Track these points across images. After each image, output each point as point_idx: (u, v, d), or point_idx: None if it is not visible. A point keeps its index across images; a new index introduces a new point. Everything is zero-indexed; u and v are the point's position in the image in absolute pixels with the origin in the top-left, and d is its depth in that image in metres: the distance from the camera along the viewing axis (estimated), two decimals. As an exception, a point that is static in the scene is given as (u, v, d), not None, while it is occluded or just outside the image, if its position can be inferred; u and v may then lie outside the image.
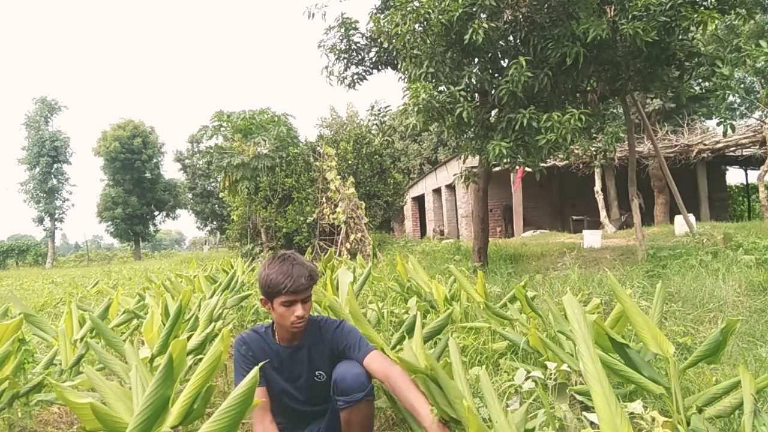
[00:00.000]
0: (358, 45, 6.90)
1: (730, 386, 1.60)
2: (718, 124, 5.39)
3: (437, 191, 19.68)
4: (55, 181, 33.30)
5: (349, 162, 14.13)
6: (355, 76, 7.09)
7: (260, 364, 1.59)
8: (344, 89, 7.41)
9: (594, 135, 6.54)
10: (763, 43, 5.03)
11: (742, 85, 16.27)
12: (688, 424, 1.54)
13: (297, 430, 2.03)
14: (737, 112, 16.95)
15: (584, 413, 1.70)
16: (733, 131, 5.82)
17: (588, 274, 5.00)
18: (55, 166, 33.22)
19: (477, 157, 6.71)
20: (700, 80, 5.84)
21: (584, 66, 5.35)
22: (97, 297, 6.78)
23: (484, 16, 5.32)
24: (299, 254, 1.97)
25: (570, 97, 6.06)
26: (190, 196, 27.97)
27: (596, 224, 13.42)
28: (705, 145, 13.18)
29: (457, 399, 1.58)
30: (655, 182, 14.01)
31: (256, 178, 14.26)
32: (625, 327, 2.27)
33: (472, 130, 6.19)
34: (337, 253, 9.43)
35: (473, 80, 5.64)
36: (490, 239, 7.96)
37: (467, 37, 5.08)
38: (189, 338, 2.67)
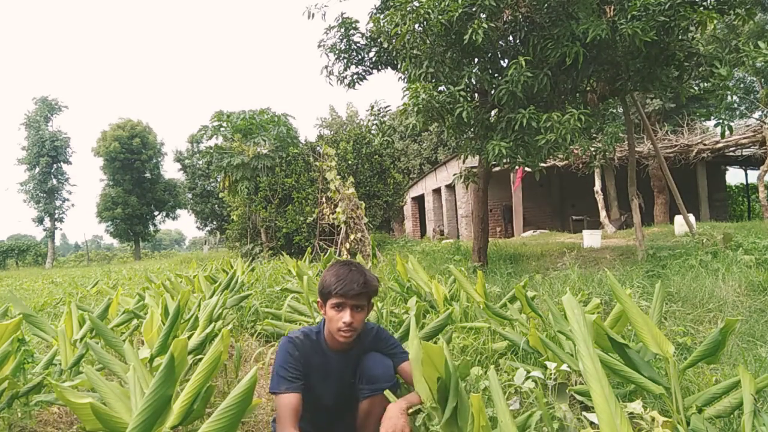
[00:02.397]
0: (358, 45, 6.90)
1: (730, 386, 1.60)
2: (715, 125, 5.41)
3: (437, 191, 19.68)
4: (55, 181, 33.32)
5: (349, 162, 14.13)
6: (355, 76, 7.09)
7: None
8: (344, 89, 7.42)
9: (594, 135, 6.54)
10: (761, 44, 5.03)
11: (741, 85, 16.28)
12: (688, 424, 1.54)
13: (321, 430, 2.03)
14: (737, 112, 16.95)
15: (584, 413, 1.70)
16: (731, 132, 5.82)
17: (588, 274, 5.00)
18: (55, 166, 33.23)
19: (477, 157, 6.71)
20: (699, 81, 5.84)
21: (584, 66, 5.35)
22: (96, 297, 6.78)
23: (484, 16, 5.32)
24: (363, 265, 1.98)
25: (570, 97, 6.06)
26: (189, 196, 27.96)
27: (596, 224, 13.43)
28: (705, 145, 13.18)
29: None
30: (654, 182, 14.01)
31: (256, 178, 14.27)
32: (624, 327, 2.27)
33: (471, 130, 6.19)
34: (337, 253, 9.42)
35: (473, 80, 5.64)
36: (490, 239, 7.96)
37: (467, 37, 5.08)
38: (189, 338, 2.67)
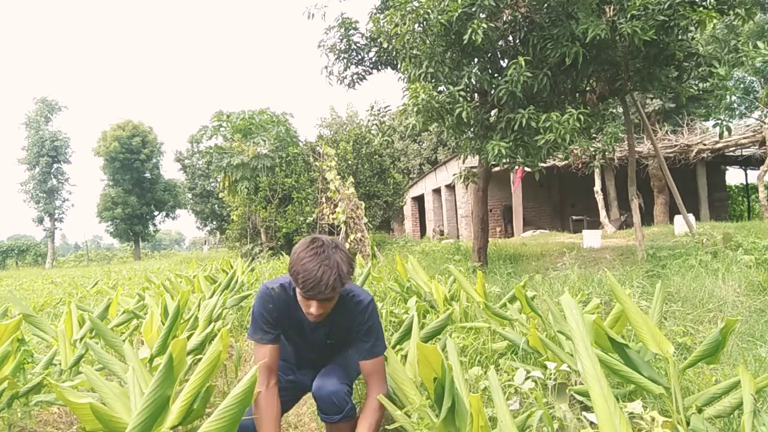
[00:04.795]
0: (357, 45, 6.91)
1: (730, 386, 1.60)
2: (714, 125, 5.42)
3: (437, 191, 19.68)
4: (54, 181, 33.31)
5: (349, 162, 14.13)
6: (355, 76, 7.10)
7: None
8: (344, 89, 7.44)
9: (593, 135, 6.54)
10: (761, 44, 5.03)
11: (741, 85, 16.28)
12: (688, 424, 1.54)
13: (303, 369, 2.06)
14: (736, 112, 16.96)
15: (584, 413, 1.70)
16: (730, 133, 5.81)
17: (588, 274, 5.00)
18: (55, 166, 33.23)
19: (476, 157, 6.71)
20: (699, 81, 5.84)
21: (583, 66, 5.35)
22: (96, 297, 6.78)
23: (484, 16, 5.32)
24: (340, 244, 1.73)
25: (569, 97, 6.06)
26: (189, 196, 27.96)
27: (596, 224, 13.44)
28: (704, 145, 13.18)
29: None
30: (654, 182, 14.01)
31: (256, 178, 14.27)
32: (624, 327, 2.27)
33: (471, 130, 6.19)
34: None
35: (473, 80, 5.64)
36: (489, 239, 7.96)
37: (466, 37, 5.08)
38: (189, 338, 2.67)
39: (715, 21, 4.96)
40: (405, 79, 6.23)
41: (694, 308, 3.60)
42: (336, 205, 10.25)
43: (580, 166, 12.94)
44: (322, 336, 1.94)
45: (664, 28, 5.10)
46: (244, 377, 1.40)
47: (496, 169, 9.55)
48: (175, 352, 1.56)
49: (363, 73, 7.12)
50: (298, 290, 1.72)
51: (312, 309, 1.70)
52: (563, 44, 5.10)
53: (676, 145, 13.37)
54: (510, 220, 15.90)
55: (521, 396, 2.04)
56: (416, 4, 5.54)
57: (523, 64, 5.03)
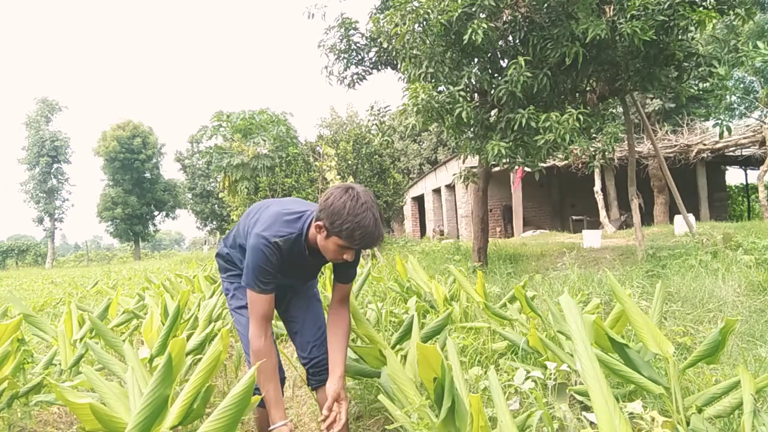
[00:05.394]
0: (357, 45, 6.91)
1: (730, 386, 1.60)
2: (714, 125, 5.42)
3: (437, 191, 19.68)
4: (54, 181, 33.33)
5: (349, 162, 14.13)
6: (355, 76, 7.10)
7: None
8: (344, 89, 7.43)
9: (593, 135, 6.54)
10: (760, 44, 5.03)
11: (741, 85, 16.28)
12: (688, 424, 1.54)
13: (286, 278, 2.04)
14: (736, 112, 16.96)
15: (584, 413, 1.70)
16: (730, 133, 5.82)
17: (588, 274, 5.00)
18: (55, 166, 33.25)
19: (476, 157, 6.71)
20: (699, 80, 5.84)
21: (583, 66, 5.35)
22: (96, 297, 6.78)
23: (484, 16, 5.32)
24: (367, 190, 1.75)
25: (569, 97, 6.06)
26: (189, 196, 27.97)
27: (596, 224, 13.44)
28: (704, 145, 13.18)
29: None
30: (654, 182, 14.02)
31: (256, 178, 14.27)
32: (624, 327, 2.27)
33: (471, 130, 6.19)
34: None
35: (472, 80, 5.64)
36: (489, 239, 7.96)
37: (466, 37, 5.08)
38: (188, 338, 2.67)
39: (715, 21, 4.96)
40: (405, 79, 6.23)
41: (694, 308, 3.60)
42: (336, 205, 10.23)
43: (580, 166, 12.94)
44: (316, 263, 1.97)
45: (664, 28, 5.10)
46: (244, 377, 1.40)
47: (496, 169, 9.55)
48: (174, 351, 1.56)
49: (363, 73, 7.12)
50: (334, 241, 1.70)
51: (347, 256, 1.75)
52: (563, 44, 5.10)
53: (676, 145, 13.37)
54: (510, 220, 15.91)
55: (521, 396, 2.04)
56: (416, 4, 5.53)
57: (523, 64, 5.03)
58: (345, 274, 1.98)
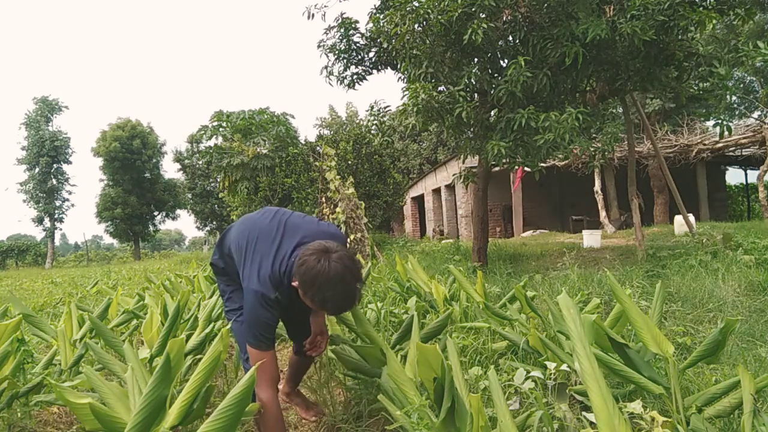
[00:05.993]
0: (357, 45, 6.90)
1: (730, 386, 1.60)
2: (714, 125, 5.41)
3: (437, 191, 19.67)
4: (54, 181, 33.29)
5: (349, 162, 14.12)
6: (355, 76, 7.09)
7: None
8: (344, 89, 7.41)
9: (593, 135, 6.54)
10: (761, 44, 5.03)
11: (741, 85, 16.28)
12: (688, 423, 1.54)
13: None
14: (736, 112, 16.96)
15: (584, 413, 1.70)
16: (730, 133, 5.81)
17: (588, 274, 4.99)
18: (54, 166, 33.20)
19: (476, 157, 6.70)
20: (699, 80, 5.84)
21: (583, 66, 5.35)
22: (96, 297, 6.78)
23: (484, 16, 5.32)
24: (355, 264, 1.72)
25: (569, 97, 6.05)
26: (189, 196, 27.96)
27: (596, 224, 13.43)
28: (704, 145, 13.18)
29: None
30: (654, 182, 14.02)
31: (256, 178, 14.28)
32: (624, 327, 2.27)
33: (471, 130, 6.19)
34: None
35: (472, 80, 5.63)
36: (489, 239, 7.96)
37: (466, 37, 5.08)
38: (188, 338, 2.67)
39: (714, 21, 4.96)
40: (405, 79, 6.23)
41: (694, 308, 3.60)
42: (336, 205, 10.25)
43: (580, 166, 12.94)
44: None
45: (664, 28, 5.10)
46: (244, 377, 1.40)
47: (496, 169, 9.54)
48: (173, 351, 1.56)
49: (363, 73, 7.12)
50: (309, 301, 1.72)
51: (320, 319, 2.06)
52: (563, 44, 5.09)
53: (676, 145, 13.37)
54: (510, 220, 15.90)
55: (521, 396, 2.04)
56: (416, 4, 5.53)
57: (523, 64, 5.03)
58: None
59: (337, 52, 6.86)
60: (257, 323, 1.79)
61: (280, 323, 2.23)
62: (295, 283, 1.74)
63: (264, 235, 1.92)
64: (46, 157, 32.35)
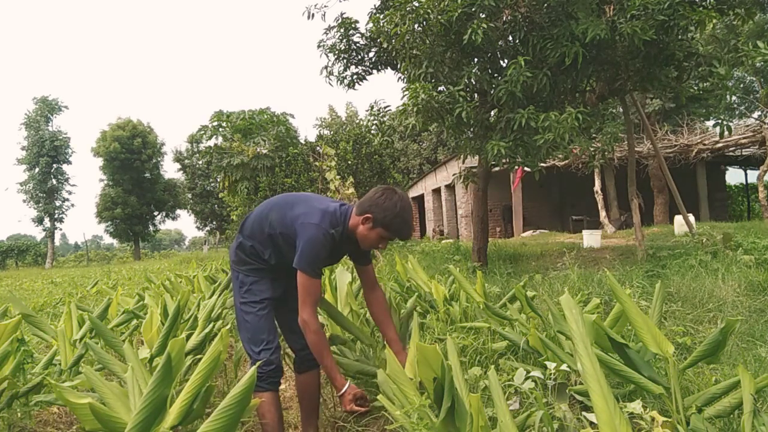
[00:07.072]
0: (357, 45, 6.90)
1: (730, 386, 1.60)
2: (714, 125, 5.41)
3: (437, 191, 19.67)
4: (54, 181, 33.30)
5: (349, 162, 14.13)
6: (355, 76, 7.09)
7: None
8: (344, 89, 7.40)
9: (593, 135, 6.54)
10: (760, 43, 5.03)
11: (741, 85, 16.29)
12: (688, 423, 1.54)
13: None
14: (736, 112, 16.96)
15: (584, 413, 1.70)
16: (730, 133, 5.81)
17: (588, 274, 4.99)
18: (54, 166, 33.21)
19: (476, 157, 6.70)
20: (699, 80, 5.84)
21: (583, 66, 5.35)
22: (96, 297, 6.78)
23: (484, 16, 5.32)
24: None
25: (569, 97, 6.05)
26: (189, 196, 27.98)
27: (596, 224, 13.43)
28: (704, 145, 13.19)
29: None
30: (654, 182, 14.02)
31: (256, 178, 14.28)
32: (624, 327, 2.27)
33: (471, 130, 6.18)
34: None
35: (472, 80, 5.63)
36: (489, 239, 7.96)
37: (466, 37, 5.08)
38: (188, 338, 2.67)
39: (714, 21, 4.97)
40: (405, 79, 6.23)
41: (694, 308, 3.60)
42: (336, 205, 10.23)
43: (580, 166, 12.94)
44: (351, 249, 2.26)
45: (664, 28, 5.10)
46: (244, 377, 1.40)
47: (496, 169, 9.55)
48: (174, 351, 1.56)
49: (363, 73, 7.12)
50: (379, 233, 2.03)
51: (381, 245, 2.11)
52: (563, 44, 5.09)
53: (676, 145, 13.38)
54: (510, 220, 15.90)
55: (521, 396, 2.04)
56: (416, 4, 5.53)
57: (523, 64, 5.03)
58: (364, 257, 2.30)
59: (337, 52, 6.86)
60: (314, 253, 2.01)
61: (277, 325, 2.31)
62: (368, 215, 2.02)
63: (297, 197, 2.28)
64: (46, 157, 32.35)
